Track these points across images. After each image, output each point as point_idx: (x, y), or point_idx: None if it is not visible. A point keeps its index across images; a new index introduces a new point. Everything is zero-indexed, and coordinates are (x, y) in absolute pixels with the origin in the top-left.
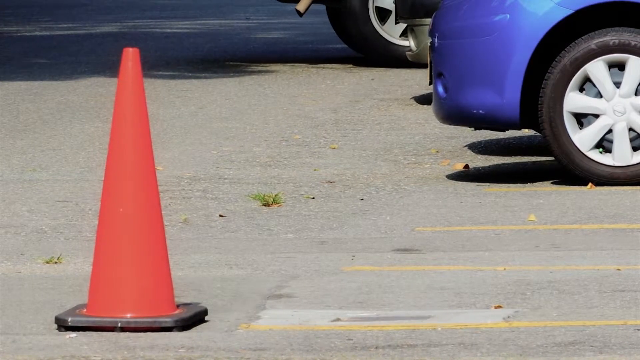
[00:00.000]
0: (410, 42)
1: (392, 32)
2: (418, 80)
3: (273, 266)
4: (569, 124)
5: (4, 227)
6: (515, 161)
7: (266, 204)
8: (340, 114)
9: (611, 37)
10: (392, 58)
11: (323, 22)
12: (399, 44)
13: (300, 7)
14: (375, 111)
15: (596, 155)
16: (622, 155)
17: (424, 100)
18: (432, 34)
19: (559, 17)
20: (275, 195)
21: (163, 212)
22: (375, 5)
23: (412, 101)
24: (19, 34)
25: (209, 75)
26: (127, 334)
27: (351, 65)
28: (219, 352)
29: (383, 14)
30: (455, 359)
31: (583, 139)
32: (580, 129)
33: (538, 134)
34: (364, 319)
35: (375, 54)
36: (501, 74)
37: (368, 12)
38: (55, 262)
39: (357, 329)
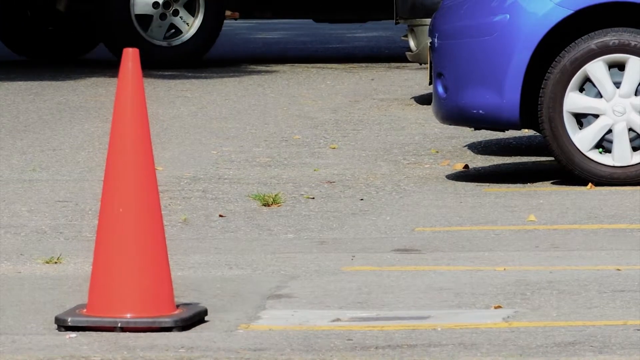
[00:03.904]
0: (410, 42)
1: (156, 35)
2: (418, 80)
3: (273, 266)
4: (569, 124)
5: (3, 227)
6: (515, 161)
7: (266, 204)
8: (340, 114)
9: (611, 37)
10: (154, 59)
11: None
12: (161, 44)
13: (61, 6)
14: (375, 111)
15: (596, 156)
16: (621, 156)
17: (423, 100)
18: (432, 34)
19: (559, 17)
20: (275, 196)
21: (163, 212)
22: (135, 13)
23: (412, 101)
24: None
25: (208, 75)
26: (127, 334)
27: (351, 65)
28: (219, 352)
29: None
30: (455, 359)
31: (583, 139)
32: (580, 129)
33: (538, 134)
34: (364, 319)
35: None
36: (501, 74)
37: (131, 19)
38: (55, 262)
39: (356, 329)
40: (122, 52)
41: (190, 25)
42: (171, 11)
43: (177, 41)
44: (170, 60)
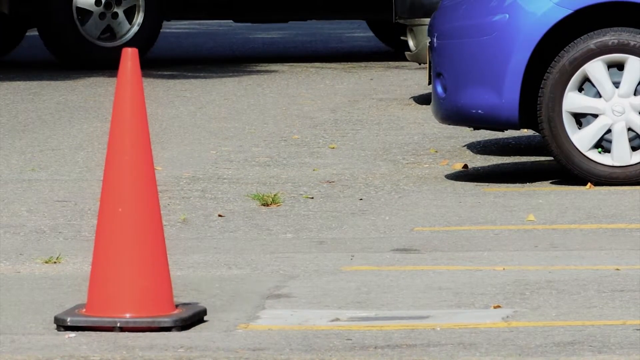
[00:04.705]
0: (409, 42)
1: (90, 32)
2: (417, 80)
3: (272, 266)
4: (568, 124)
5: (3, 227)
6: (514, 161)
7: (265, 204)
8: (339, 114)
9: (610, 37)
10: (95, 59)
11: (324, 22)
12: (103, 45)
13: (4, 8)
14: (374, 111)
15: (595, 155)
16: (621, 155)
17: (423, 100)
18: (431, 33)
19: (558, 17)
20: (274, 195)
21: (162, 212)
22: (76, 6)
23: (411, 101)
24: None
25: (208, 75)
26: (126, 333)
27: (350, 65)
28: (218, 352)
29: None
30: (454, 358)
31: (582, 139)
32: (579, 128)
33: (537, 134)
34: (363, 319)
35: (78, 59)
36: (500, 74)
37: (73, 19)
38: (55, 262)
39: (356, 329)
40: (65, 54)
41: (128, 30)
42: (110, 14)
43: (117, 42)
44: (110, 61)
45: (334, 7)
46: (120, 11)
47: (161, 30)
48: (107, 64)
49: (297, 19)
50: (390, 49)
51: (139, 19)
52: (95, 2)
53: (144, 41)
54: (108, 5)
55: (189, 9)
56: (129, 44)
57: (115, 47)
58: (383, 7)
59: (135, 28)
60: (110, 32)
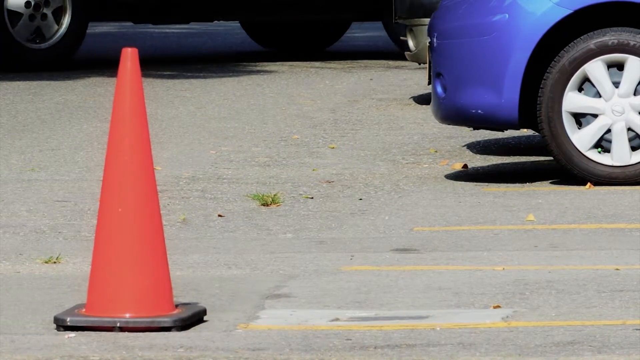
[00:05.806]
0: (409, 42)
1: (21, 34)
2: (417, 80)
3: (272, 266)
4: (568, 123)
5: (2, 227)
6: (514, 161)
7: (265, 204)
8: (339, 114)
9: (610, 37)
10: (26, 61)
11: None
12: (33, 47)
13: None
14: (373, 111)
15: (595, 155)
16: (620, 155)
17: (422, 100)
18: (430, 33)
19: (558, 16)
20: (274, 195)
21: (162, 212)
22: (7, 9)
23: (411, 101)
24: None
25: (207, 75)
26: (126, 333)
27: (350, 65)
28: (218, 352)
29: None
30: (454, 358)
31: (582, 139)
32: (579, 128)
33: (537, 133)
34: (363, 319)
35: (10, 59)
36: (500, 74)
37: (5, 22)
38: (54, 262)
39: (355, 329)
40: None
41: (56, 31)
42: (39, 15)
43: (46, 44)
44: (40, 62)
45: (231, 9)
46: (49, 13)
47: (161, 31)
48: (37, 66)
49: (201, 20)
50: (269, 50)
51: (66, 20)
52: (25, 3)
53: (71, 42)
54: (37, 7)
55: (111, 11)
56: (57, 45)
57: (43, 49)
58: (261, 9)
59: (63, 30)
60: (39, 34)
